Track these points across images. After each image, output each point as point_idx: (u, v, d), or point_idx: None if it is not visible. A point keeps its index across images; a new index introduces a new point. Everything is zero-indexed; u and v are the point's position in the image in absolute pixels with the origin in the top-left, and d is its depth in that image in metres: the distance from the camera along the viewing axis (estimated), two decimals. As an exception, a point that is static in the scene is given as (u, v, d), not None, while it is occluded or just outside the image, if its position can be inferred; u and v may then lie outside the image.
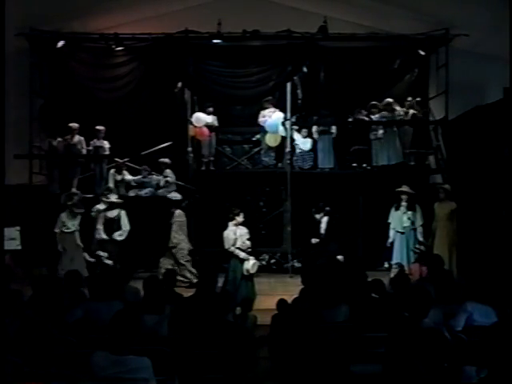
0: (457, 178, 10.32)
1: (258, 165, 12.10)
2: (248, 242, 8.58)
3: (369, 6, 11.02)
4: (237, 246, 8.43)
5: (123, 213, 9.92)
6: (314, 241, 9.81)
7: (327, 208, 9.95)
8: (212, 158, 11.64)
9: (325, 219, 9.87)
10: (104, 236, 9.72)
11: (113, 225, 9.84)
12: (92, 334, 4.68)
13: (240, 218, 8.56)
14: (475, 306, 4.94)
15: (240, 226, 8.59)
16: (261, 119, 11.37)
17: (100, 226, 9.78)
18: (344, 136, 11.62)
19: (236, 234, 8.49)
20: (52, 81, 11.54)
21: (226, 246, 8.43)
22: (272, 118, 11.18)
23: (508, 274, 6.79)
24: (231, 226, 8.51)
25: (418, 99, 11.50)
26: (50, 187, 11.09)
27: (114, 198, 10.06)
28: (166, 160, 11.13)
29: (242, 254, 8.41)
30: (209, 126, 11.40)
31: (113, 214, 9.88)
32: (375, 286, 5.75)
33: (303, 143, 11.53)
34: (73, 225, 9.74)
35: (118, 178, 11.10)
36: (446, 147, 11.26)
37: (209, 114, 11.35)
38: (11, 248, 9.24)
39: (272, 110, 11.32)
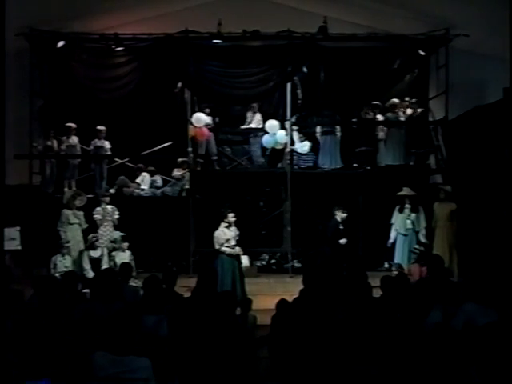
0: (457, 178, 10.32)
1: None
2: (237, 248, 8.57)
3: (369, 6, 11.01)
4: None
5: (106, 251, 9.71)
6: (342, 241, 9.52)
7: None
8: (215, 158, 11.64)
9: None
10: (92, 274, 9.10)
11: (99, 263, 9.56)
12: (92, 334, 4.68)
13: (230, 218, 8.51)
14: (475, 306, 4.93)
15: (231, 228, 8.55)
16: (246, 126, 11.54)
17: (87, 266, 9.45)
18: (348, 136, 11.62)
19: (226, 235, 8.46)
20: (52, 81, 11.55)
21: (217, 247, 8.44)
22: (266, 127, 11.17)
23: (508, 274, 6.77)
24: (222, 227, 8.49)
25: (413, 100, 11.47)
26: (43, 187, 11.10)
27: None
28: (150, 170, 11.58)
29: (231, 250, 8.42)
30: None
31: (96, 253, 9.63)
32: (383, 282, 5.75)
33: (301, 147, 11.53)
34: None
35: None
36: (446, 147, 11.26)
37: (207, 114, 11.36)
38: (11, 248, 9.21)
39: (252, 112, 11.46)
